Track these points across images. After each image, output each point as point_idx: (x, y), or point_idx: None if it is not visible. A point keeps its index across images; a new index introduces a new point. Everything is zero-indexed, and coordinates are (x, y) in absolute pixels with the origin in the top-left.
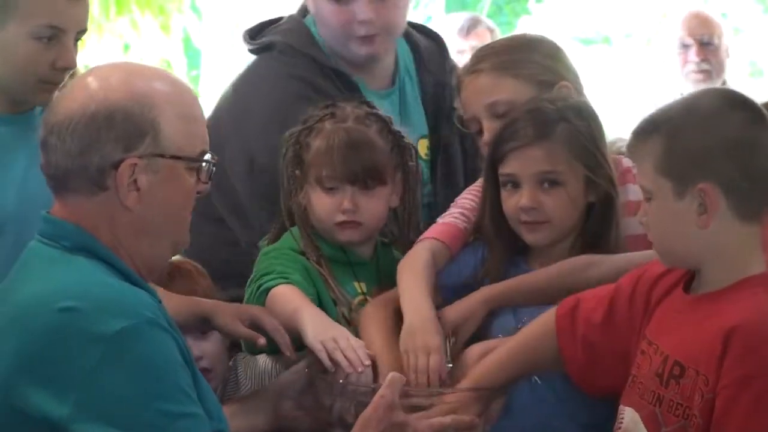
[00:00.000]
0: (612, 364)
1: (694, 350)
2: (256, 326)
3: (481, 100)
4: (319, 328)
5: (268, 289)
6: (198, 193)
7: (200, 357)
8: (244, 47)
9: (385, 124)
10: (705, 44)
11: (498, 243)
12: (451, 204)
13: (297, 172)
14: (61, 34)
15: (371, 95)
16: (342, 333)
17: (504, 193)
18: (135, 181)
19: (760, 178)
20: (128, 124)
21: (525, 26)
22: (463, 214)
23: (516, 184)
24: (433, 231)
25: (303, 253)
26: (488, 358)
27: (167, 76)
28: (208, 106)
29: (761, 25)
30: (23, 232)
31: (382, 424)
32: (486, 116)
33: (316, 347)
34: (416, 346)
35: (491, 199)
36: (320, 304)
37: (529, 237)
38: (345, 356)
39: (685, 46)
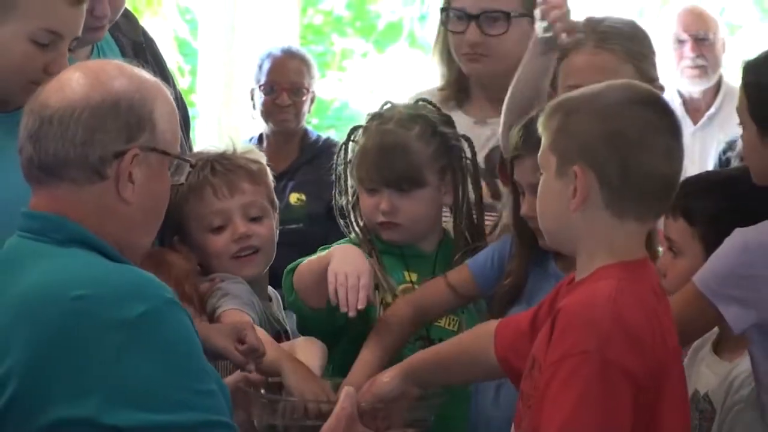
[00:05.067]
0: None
1: (539, 341)
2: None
3: (596, 76)
4: (341, 261)
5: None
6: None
7: None
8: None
9: (430, 125)
10: (700, 40)
11: (520, 244)
12: None
13: (349, 168)
14: (58, 39)
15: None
16: (356, 270)
17: (520, 197)
18: (130, 173)
19: (636, 177)
20: (131, 114)
21: None
22: None
23: (522, 190)
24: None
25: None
26: (427, 352)
27: (149, 74)
28: (204, 106)
29: (757, 22)
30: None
31: None
32: None
33: (329, 278)
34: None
35: (513, 201)
36: None
37: (540, 242)
38: (345, 294)
39: (680, 42)
